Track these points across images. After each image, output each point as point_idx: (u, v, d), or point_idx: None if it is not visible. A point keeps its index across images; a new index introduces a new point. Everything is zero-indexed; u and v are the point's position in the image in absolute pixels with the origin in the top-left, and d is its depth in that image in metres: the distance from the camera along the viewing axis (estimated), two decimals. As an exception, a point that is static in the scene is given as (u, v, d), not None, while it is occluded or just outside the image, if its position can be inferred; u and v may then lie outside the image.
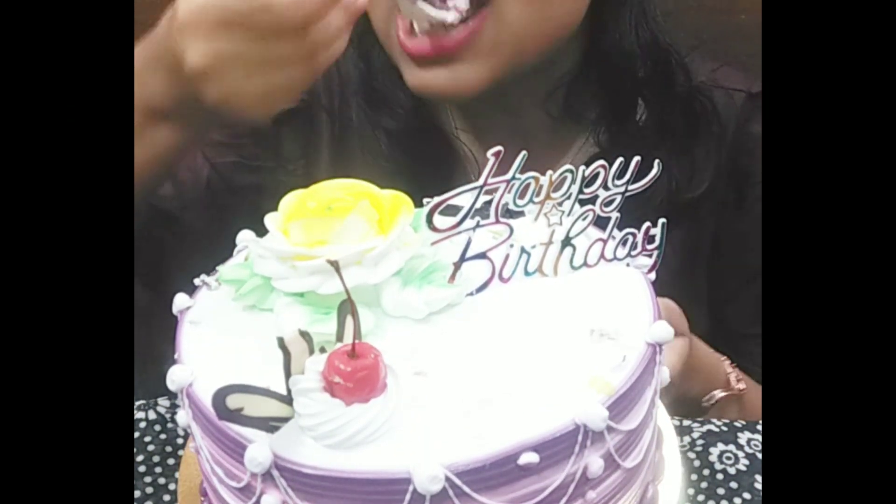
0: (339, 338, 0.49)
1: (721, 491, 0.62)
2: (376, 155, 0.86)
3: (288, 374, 0.47)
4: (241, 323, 0.56)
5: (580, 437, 0.47)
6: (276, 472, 0.46)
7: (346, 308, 0.49)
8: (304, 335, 0.48)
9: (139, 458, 0.70)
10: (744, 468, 0.64)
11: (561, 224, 0.56)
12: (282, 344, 0.46)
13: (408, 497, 0.45)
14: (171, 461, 0.70)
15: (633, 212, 0.56)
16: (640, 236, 0.58)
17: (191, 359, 0.53)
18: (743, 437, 0.66)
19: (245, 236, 0.62)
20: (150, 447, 0.71)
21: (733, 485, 0.63)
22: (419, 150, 0.86)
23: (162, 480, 0.70)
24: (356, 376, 0.47)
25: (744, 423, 0.67)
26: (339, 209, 0.56)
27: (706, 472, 0.64)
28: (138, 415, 0.73)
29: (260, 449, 0.46)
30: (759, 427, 0.66)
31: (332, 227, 0.54)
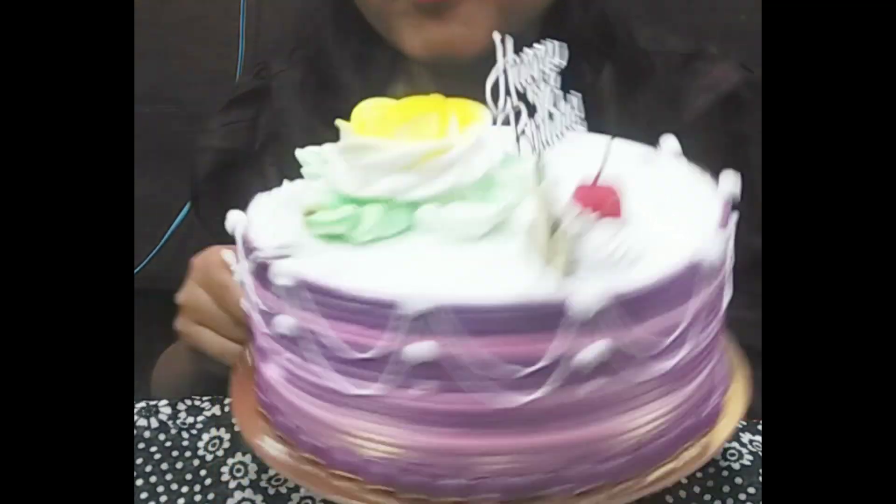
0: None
1: (726, 489, 0.63)
2: None
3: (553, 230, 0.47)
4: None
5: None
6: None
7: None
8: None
9: (138, 460, 0.66)
10: (748, 463, 0.64)
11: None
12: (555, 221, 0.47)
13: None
14: (178, 465, 0.66)
15: None
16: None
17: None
18: (745, 438, 0.65)
19: (236, 217, 0.56)
20: (151, 449, 0.67)
21: (738, 480, 0.63)
22: None
23: (164, 484, 0.65)
24: (615, 195, 0.50)
25: (744, 423, 0.65)
26: (410, 107, 0.55)
27: (711, 469, 0.63)
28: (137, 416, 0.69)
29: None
30: (760, 428, 0.66)
31: (435, 123, 0.53)
